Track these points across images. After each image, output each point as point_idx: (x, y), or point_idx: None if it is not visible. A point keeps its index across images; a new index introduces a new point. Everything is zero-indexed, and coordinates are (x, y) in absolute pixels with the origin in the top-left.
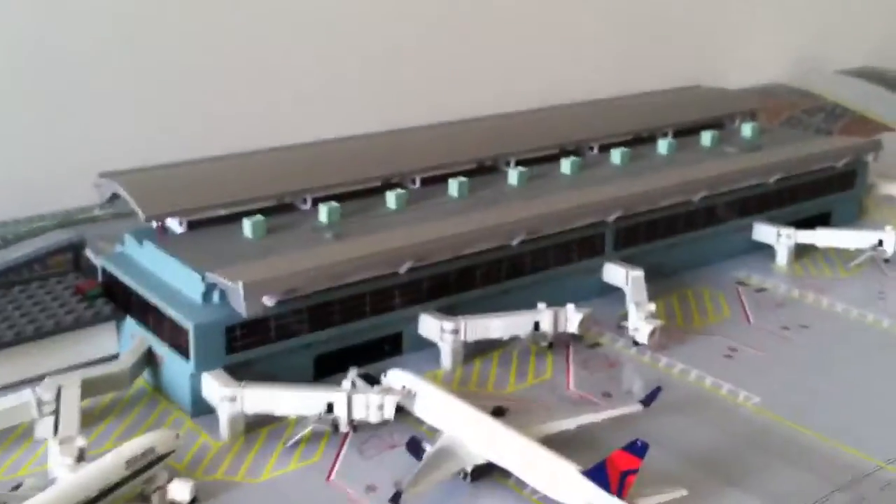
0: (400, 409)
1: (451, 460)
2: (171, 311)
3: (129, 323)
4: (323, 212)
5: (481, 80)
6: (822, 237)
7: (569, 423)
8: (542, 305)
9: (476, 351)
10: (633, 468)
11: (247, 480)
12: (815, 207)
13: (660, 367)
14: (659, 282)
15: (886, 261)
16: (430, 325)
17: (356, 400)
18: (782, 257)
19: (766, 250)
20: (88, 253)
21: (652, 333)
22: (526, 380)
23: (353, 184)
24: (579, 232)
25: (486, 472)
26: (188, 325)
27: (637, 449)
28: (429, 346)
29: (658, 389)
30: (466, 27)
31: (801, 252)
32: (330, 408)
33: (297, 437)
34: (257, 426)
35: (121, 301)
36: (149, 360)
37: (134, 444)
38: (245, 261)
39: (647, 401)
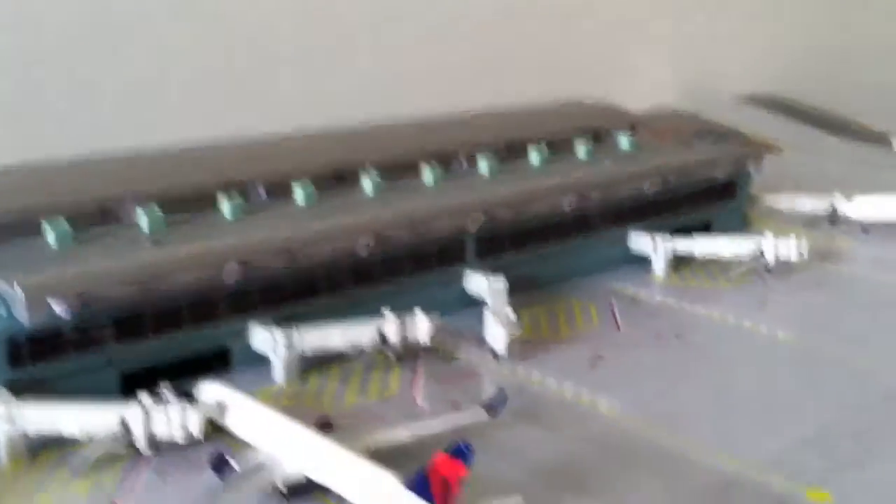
0: (218, 428)
1: (263, 477)
2: None
3: None
4: (143, 219)
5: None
6: (699, 245)
7: (400, 434)
8: (387, 312)
9: (316, 365)
10: (459, 475)
11: None
12: (695, 218)
13: (519, 377)
14: (529, 293)
15: (769, 270)
16: (261, 337)
17: (155, 416)
18: (659, 267)
19: (645, 262)
20: None
21: (511, 342)
22: (367, 395)
23: (185, 191)
24: (437, 239)
25: (306, 490)
26: None
27: (461, 453)
28: (263, 362)
29: (503, 393)
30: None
31: (682, 263)
32: (127, 426)
33: (82, 461)
34: (52, 448)
35: None
36: None
37: None
38: (41, 267)
39: (492, 406)
